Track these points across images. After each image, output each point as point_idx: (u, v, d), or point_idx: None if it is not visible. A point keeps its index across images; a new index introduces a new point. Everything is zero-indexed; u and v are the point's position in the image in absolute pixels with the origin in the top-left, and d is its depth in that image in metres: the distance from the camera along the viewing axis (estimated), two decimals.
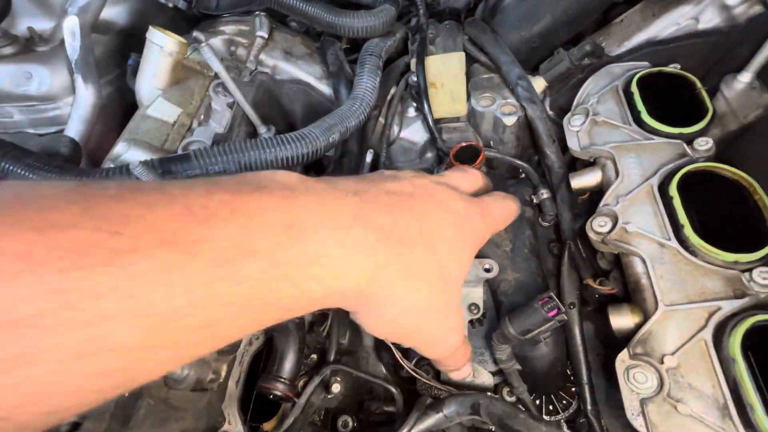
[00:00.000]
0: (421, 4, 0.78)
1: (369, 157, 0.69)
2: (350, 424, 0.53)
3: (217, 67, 0.53)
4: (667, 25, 0.60)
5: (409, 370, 0.56)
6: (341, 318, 0.62)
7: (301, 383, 0.54)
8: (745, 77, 0.50)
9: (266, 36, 0.72)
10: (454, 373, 0.46)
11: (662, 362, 0.39)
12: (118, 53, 0.80)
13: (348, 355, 0.62)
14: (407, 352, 0.62)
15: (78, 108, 0.73)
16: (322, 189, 0.29)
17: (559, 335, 0.57)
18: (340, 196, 0.29)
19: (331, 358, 0.56)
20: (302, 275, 0.26)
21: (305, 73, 0.75)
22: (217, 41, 0.72)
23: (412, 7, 0.87)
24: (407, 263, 0.30)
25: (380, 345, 0.67)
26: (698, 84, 0.54)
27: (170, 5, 0.65)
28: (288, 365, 0.51)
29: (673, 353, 0.39)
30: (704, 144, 0.50)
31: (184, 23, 0.85)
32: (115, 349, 0.20)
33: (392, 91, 0.78)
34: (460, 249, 0.36)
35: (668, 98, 0.55)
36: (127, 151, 0.56)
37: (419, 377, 0.56)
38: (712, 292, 0.41)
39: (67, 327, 0.18)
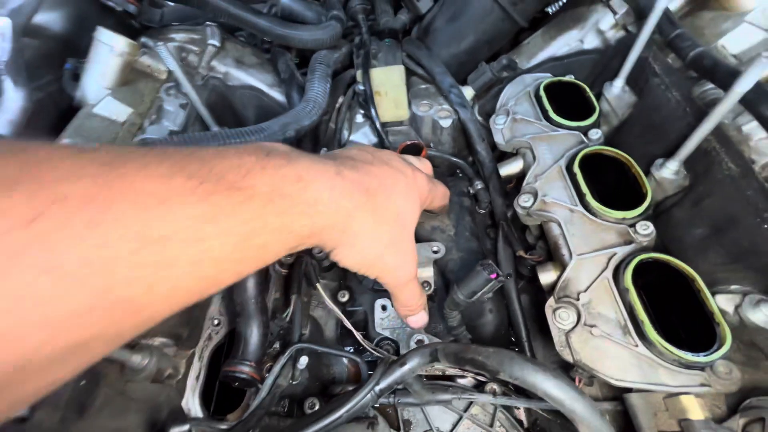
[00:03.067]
0: (364, 23, 0.87)
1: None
2: (317, 404, 0.54)
3: (172, 64, 0.55)
4: (561, 46, 0.76)
5: (371, 350, 0.59)
6: (303, 309, 0.63)
7: (266, 367, 0.54)
8: (618, 83, 0.65)
9: (218, 44, 0.75)
10: (411, 318, 0.53)
11: (578, 299, 0.48)
12: (49, 59, 0.77)
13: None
14: (368, 336, 0.65)
15: (5, 111, 0.68)
16: (307, 154, 0.39)
17: (501, 302, 0.65)
18: (321, 159, 0.39)
19: (296, 339, 0.58)
20: (311, 211, 0.35)
21: (257, 80, 0.79)
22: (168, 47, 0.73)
23: (355, 28, 0.96)
24: (374, 206, 0.41)
25: (342, 334, 0.69)
26: (588, 90, 0.68)
27: (119, 9, 0.65)
28: (252, 348, 0.51)
29: (585, 290, 0.48)
30: (596, 134, 0.63)
31: (124, 35, 0.84)
32: (214, 258, 0.28)
33: (340, 99, 0.85)
34: (411, 201, 0.46)
35: (566, 100, 0.69)
36: None
37: (381, 356, 0.59)
38: (608, 242, 0.52)
39: (188, 243, 0.26)
